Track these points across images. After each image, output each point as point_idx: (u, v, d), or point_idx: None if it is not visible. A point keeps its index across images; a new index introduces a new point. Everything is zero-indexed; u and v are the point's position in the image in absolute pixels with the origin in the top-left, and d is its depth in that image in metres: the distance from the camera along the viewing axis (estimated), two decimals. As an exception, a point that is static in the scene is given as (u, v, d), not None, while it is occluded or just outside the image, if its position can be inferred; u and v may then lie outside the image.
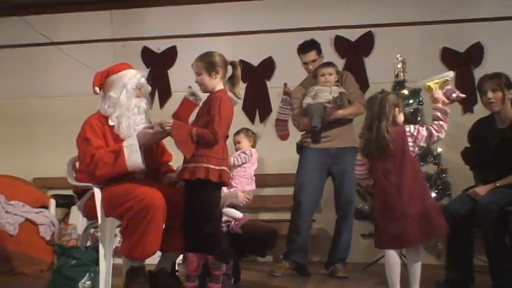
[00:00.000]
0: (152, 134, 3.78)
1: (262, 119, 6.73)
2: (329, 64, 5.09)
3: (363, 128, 3.59)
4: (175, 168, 4.15)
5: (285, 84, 6.61)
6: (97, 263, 3.59)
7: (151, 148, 4.02)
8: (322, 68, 5.05)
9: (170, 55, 7.08)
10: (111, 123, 3.86)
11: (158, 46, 7.08)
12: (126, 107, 3.86)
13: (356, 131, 5.22)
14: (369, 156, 3.54)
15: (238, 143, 4.80)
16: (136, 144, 3.69)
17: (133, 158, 3.66)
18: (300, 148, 5.17)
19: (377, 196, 3.56)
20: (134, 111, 3.88)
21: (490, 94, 4.18)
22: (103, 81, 3.95)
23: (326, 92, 4.92)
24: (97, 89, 3.92)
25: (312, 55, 5.17)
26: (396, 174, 3.43)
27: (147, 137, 3.77)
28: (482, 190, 4.07)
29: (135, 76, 3.95)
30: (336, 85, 5.01)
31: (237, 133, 4.84)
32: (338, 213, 5.08)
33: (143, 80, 4.00)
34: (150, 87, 4.11)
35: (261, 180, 4.76)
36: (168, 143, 4.04)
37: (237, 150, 4.79)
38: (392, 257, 3.46)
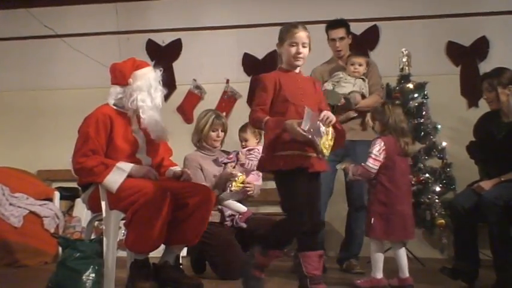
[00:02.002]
0: (147, 171, 3.80)
1: (268, 113, 6.69)
2: (362, 54, 5.00)
3: (384, 131, 3.96)
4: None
5: (290, 78, 6.59)
6: (101, 256, 3.60)
7: (154, 143, 4.00)
8: (354, 57, 4.92)
9: (175, 48, 7.07)
10: (142, 115, 3.82)
11: (163, 39, 7.07)
12: (153, 103, 3.85)
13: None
14: (392, 155, 3.82)
15: (246, 140, 4.77)
16: (126, 172, 3.70)
17: (113, 179, 3.66)
18: None
19: (389, 191, 3.79)
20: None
21: (484, 94, 4.33)
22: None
23: (349, 84, 4.82)
24: (131, 80, 3.86)
25: (340, 32, 5.01)
26: (407, 176, 3.97)
27: (142, 171, 3.79)
28: (486, 185, 4.06)
29: (155, 76, 3.92)
30: (362, 78, 4.90)
31: (243, 130, 4.79)
32: (351, 207, 5.00)
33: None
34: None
35: (264, 173, 4.74)
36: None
37: (243, 148, 4.78)
38: (380, 247, 3.90)
